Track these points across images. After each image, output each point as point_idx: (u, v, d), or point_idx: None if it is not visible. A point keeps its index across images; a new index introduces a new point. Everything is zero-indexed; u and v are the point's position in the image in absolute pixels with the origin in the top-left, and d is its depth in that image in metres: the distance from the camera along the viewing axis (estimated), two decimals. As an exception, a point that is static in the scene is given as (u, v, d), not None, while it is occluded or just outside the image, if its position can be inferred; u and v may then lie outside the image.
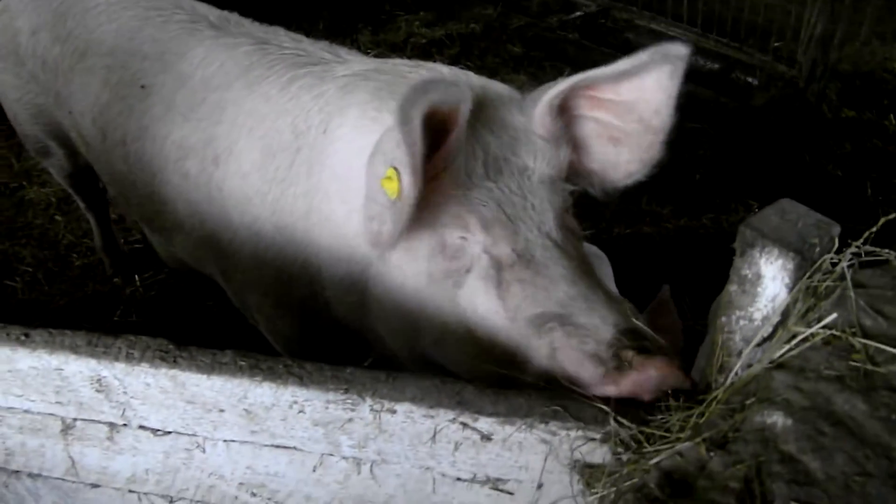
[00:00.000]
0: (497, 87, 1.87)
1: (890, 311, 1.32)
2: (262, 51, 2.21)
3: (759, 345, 1.39)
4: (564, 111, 1.80)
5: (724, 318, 1.46)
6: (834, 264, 1.38)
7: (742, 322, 1.43)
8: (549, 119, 1.77)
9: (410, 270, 1.80)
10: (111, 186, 2.71)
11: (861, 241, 1.42)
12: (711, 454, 1.19)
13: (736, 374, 1.39)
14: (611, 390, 1.50)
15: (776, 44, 4.90)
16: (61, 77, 2.61)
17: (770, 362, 1.31)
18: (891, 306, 1.33)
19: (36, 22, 2.69)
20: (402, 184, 1.53)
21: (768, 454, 1.14)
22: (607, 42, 5.55)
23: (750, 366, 1.41)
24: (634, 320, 1.62)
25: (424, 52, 5.46)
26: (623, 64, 1.66)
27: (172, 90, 2.28)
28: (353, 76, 1.98)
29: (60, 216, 4.08)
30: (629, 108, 1.75)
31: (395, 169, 1.53)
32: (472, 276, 1.72)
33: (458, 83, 1.58)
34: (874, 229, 1.45)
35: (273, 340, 2.41)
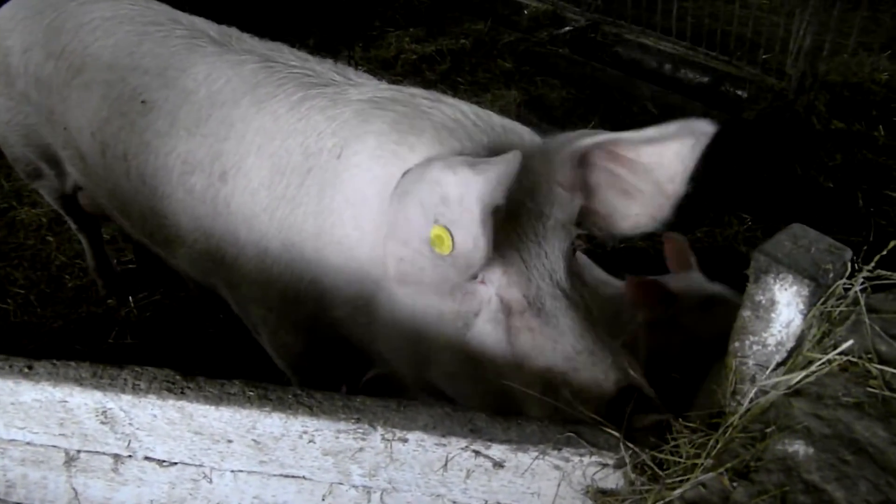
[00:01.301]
0: (519, 129, 1.88)
1: (905, 336, 1.32)
2: (268, 69, 2.21)
3: (773, 370, 1.39)
4: (583, 160, 1.83)
5: (736, 344, 1.46)
6: (846, 289, 1.38)
7: (756, 347, 1.43)
8: (569, 170, 1.79)
9: (420, 305, 1.81)
10: (109, 202, 2.68)
11: (872, 265, 1.42)
12: (735, 484, 1.18)
13: (752, 399, 1.39)
14: None
15: (765, 56, 4.93)
16: (55, 93, 2.60)
17: (787, 389, 1.30)
18: (905, 331, 1.33)
19: (27, 40, 2.67)
20: (456, 243, 1.54)
21: (792, 484, 1.14)
22: (597, 56, 5.56)
23: (764, 391, 1.41)
24: (633, 374, 1.68)
25: (415, 68, 5.45)
26: (650, 132, 1.68)
27: (176, 105, 2.27)
28: (368, 103, 1.98)
29: (52, 237, 4.04)
30: (646, 169, 1.77)
31: (445, 228, 1.54)
32: (481, 319, 1.76)
33: (524, 138, 1.64)
34: (884, 252, 1.46)
35: (276, 354, 2.40)
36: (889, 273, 1.42)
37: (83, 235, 3.54)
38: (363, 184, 1.86)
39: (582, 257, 2.36)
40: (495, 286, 1.74)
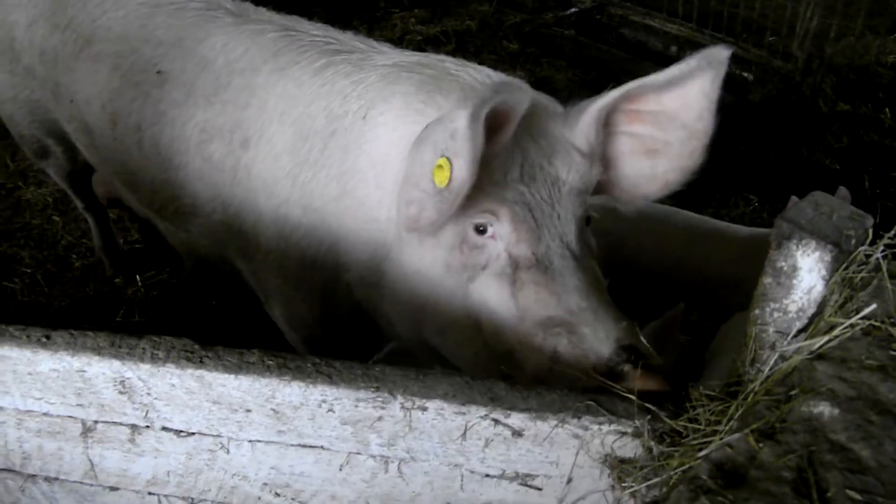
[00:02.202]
0: (541, 97, 1.88)
1: (925, 301, 1.33)
2: (289, 37, 2.21)
3: (794, 336, 1.39)
4: (605, 127, 1.83)
5: (757, 311, 1.46)
6: (868, 256, 1.38)
7: (776, 314, 1.43)
8: (592, 132, 1.80)
9: (428, 258, 1.83)
10: (117, 175, 2.67)
11: (893, 232, 1.43)
12: (761, 445, 1.19)
13: (773, 365, 1.39)
14: None
15: (771, 38, 4.91)
16: (61, 65, 2.59)
17: (810, 353, 1.31)
18: (926, 297, 1.33)
19: (32, 13, 2.67)
20: (454, 173, 1.55)
21: (818, 444, 1.15)
22: (603, 38, 5.55)
23: (784, 357, 1.41)
24: (635, 337, 1.69)
25: (420, 49, 5.40)
26: (671, 72, 1.69)
27: (193, 75, 2.27)
28: (395, 66, 1.99)
29: (58, 216, 4.04)
30: (672, 116, 1.78)
31: (448, 159, 1.55)
32: (487, 272, 1.77)
33: (524, 88, 1.62)
34: (905, 220, 1.46)
35: (289, 327, 2.41)
36: (911, 240, 1.42)
37: (90, 215, 3.55)
38: (388, 143, 1.88)
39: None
40: (505, 242, 1.75)
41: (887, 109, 4.49)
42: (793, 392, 1.26)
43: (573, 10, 5.71)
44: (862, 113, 4.54)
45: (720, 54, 1.66)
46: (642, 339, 1.72)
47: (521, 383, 1.62)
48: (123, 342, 1.67)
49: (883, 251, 1.40)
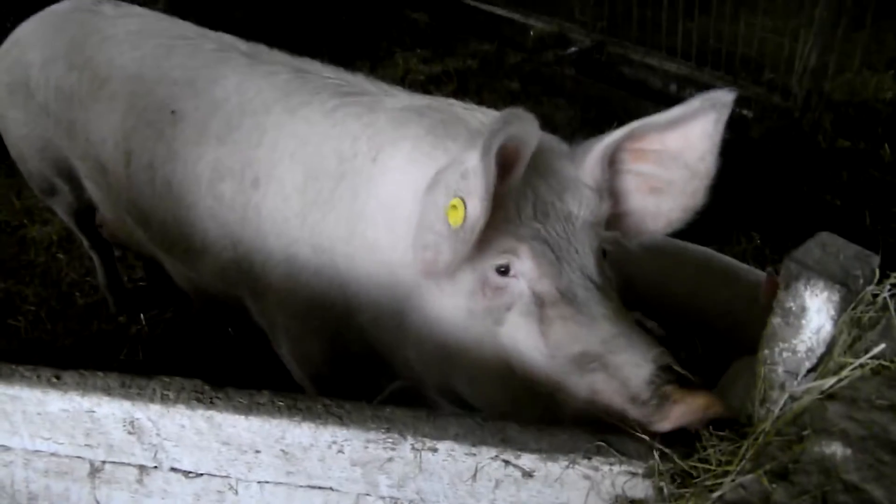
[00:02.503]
0: (546, 136, 1.89)
1: (934, 340, 1.34)
2: (301, 78, 2.24)
3: (804, 376, 1.40)
4: (610, 164, 1.85)
5: (766, 351, 1.47)
6: (875, 295, 1.40)
7: (785, 354, 1.44)
8: (598, 170, 1.82)
9: (449, 306, 1.82)
10: (130, 214, 2.68)
11: (899, 271, 1.44)
12: (774, 486, 1.19)
13: (783, 405, 1.40)
14: (664, 426, 1.52)
15: (770, 76, 4.97)
16: (77, 104, 2.63)
17: (821, 393, 1.31)
18: (934, 336, 1.35)
19: (49, 52, 2.72)
20: (468, 211, 1.55)
21: (832, 484, 1.15)
22: (603, 76, 5.61)
23: (794, 398, 1.42)
24: (671, 358, 1.65)
25: (422, 89, 5.50)
26: (674, 112, 1.72)
27: (206, 115, 2.30)
28: (404, 110, 2.01)
29: (62, 254, 4.06)
30: (675, 156, 1.80)
31: (461, 199, 1.56)
32: (513, 313, 1.76)
33: (531, 119, 1.61)
34: (911, 260, 1.47)
35: (297, 365, 2.40)
36: (917, 280, 1.43)
37: (95, 253, 3.56)
38: (398, 187, 1.89)
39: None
40: (527, 279, 1.74)
41: (886, 145, 4.52)
42: (805, 432, 1.26)
43: (573, 49, 5.78)
44: (861, 149, 4.57)
45: (724, 97, 1.69)
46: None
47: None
48: (133, 383, 1.68)
49: (890, 290, 1.41)
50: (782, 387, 1.46)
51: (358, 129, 2.03)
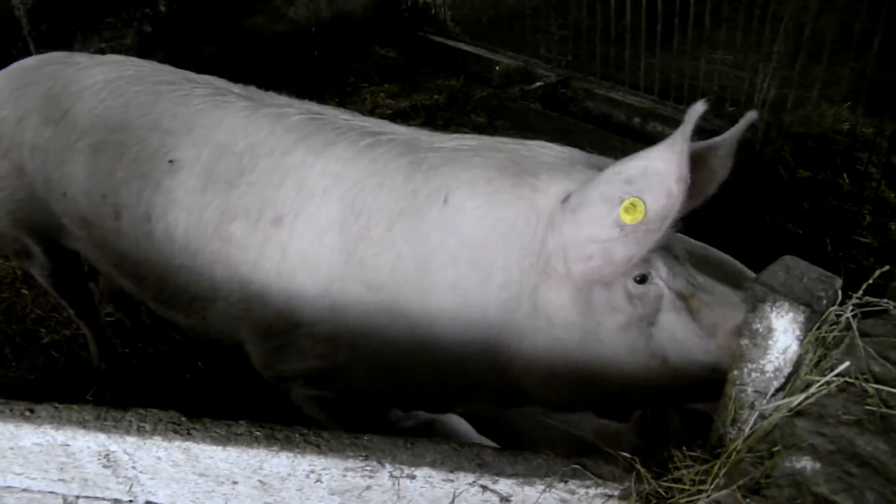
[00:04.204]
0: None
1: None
2: (318, 120, 2.20)
3: (773, 395, 1.44)
4: None
5: (735, 372, 1.51)
6: (838, 315, 1.44)
7: (754, 374, 1.48)
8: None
9: (591, 326, 1.88)
10: (118, 268, 2.56)
11: (860, 292, 1.49)
12: (748, 500, 1.22)
13: (753, 424, 1.43)
14: None
15: (731, 109, 5.09)
16: (53, 159, 2.53)
17: (789, 411, 1.35)
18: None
19: (22, 109, 2.61)
20: (648, 205, 1.68)
21: (803, 497, 1.18)
22: (568, 111, 5.71)
23: (764, 416, 1.45)
24: None
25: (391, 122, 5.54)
26: (734, 132, 1.95)
27: (211, 161, 2.24)
28: (456, 150, 2.03)
29: (27, 290, 4.00)
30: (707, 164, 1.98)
31: (638, 198, 1.69)
32: (663, 312, 1.86)
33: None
34: (870, 280, 1.53)
35: (320, 408, 2.34)
36: (877, 300, 1.49)
37: (83, 322, 3.40)
38: (484, 227, 1.91)
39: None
40: (664, 280, 1.86)
41: (845, 175, 4.64)
42: (775, 448, 1.30)
43: (538, 84, 5.88)
44: (821, 179, 4.69)
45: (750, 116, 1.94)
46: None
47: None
48: (109, 415, 1.67)
49: (852, 310, 1.46)
50: (752, 406, 1.49)
51: (406, 166, 2.02)
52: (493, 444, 1.97)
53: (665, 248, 1.87)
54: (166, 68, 2.66)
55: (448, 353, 1.99)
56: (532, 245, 1.88)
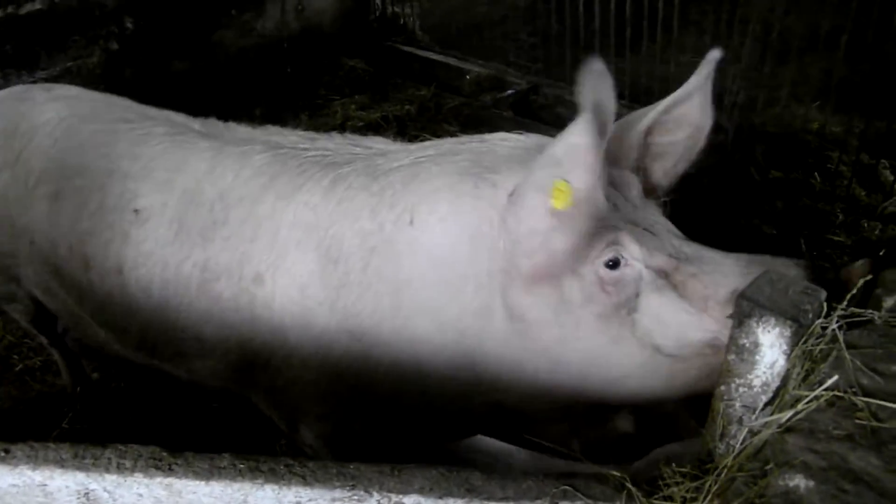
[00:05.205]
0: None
1: (884, 368, 1.39)
2: (279, 156, 2.12)
3: (762, 410, 1.43)
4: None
5: (722, 387, 1.50)
6: (824, 328, 1.44)
7: (742, 389, 1.47)
8: (638, 147, 1.92)
9: (567, 322, 1.78)
10: (96, 319, 2.44)
11: (844, 303, 1.49)
12: (743, 523, 1.21)
13: (744, 440, 1.42)
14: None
15: (701, 111, 5.11)
16: (15, 205, 2.42)
17: (779, 426, 1.34)
18: (883, 364, 1.40)
19: None
20: (574, 185, 1.59)
21: (798, 518, 1.18)
22: (540, 117, 5.71)
23: (753, 432, 1.45)
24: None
25: (362, 135, 5.50)
26: (691, 83, 1.90)
27: (179, 210, 2.15)
28: (414, 164, 1.97)
29: (-2, 317, 3.93)
30: (682, 119, 1.94)
31: (563, 181, 1.59)
32: (644, 295, 1.76)
33: (609, 83, 1.66)
34: (854, 291, 1.53)
35: (327, 449, 2.27)
36: (862, 311, 1.49)
37: (55, 350, 3.33)
38: (451, 238, 1.86)
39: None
40: (639, 261, 1.76)
41: (817, 174, 4.68)
42: (767, 466, 1.29)
43: (510, 91, 5.87)
44: (793, 178, 4.72)
45: (713, 54, 1.88)
46: None
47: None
48: (87, 452, 1.63)
49: (838, 322, 1.46)
50: (740, 421, 1.49)
51: (369, 199, 1.96)
52: (522, 451, 1.97)
53: (632, 223, 1.79)
54: (122, 103, 2.55)
55: (432, 376, 1.95)
56: (497, 245, 1.80)
